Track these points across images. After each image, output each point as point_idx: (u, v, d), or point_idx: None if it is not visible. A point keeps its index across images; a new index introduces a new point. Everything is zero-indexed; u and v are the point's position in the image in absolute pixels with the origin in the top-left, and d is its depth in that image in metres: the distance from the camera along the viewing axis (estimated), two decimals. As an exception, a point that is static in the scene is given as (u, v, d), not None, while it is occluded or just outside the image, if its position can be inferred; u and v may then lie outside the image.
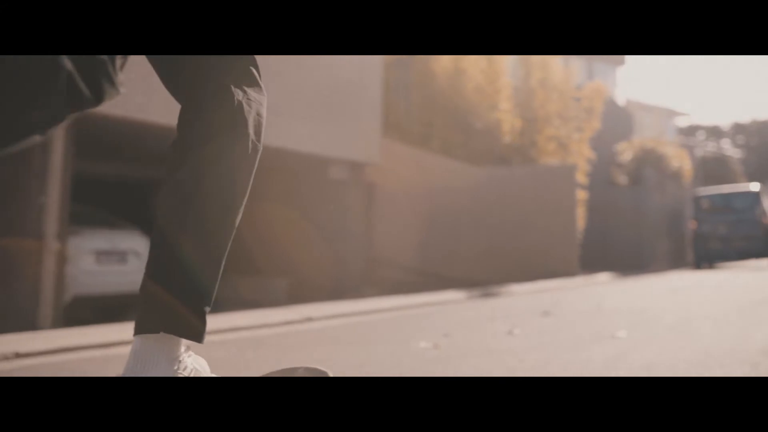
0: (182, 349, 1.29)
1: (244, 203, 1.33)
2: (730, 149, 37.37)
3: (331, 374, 1.40)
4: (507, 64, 13.55)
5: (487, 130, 12.95)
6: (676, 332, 3.21)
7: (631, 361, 2.39)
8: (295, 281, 9.73)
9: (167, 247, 1.28)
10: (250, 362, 2.89)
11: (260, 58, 1.38)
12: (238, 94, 1.30)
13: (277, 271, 10.10)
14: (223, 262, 1.31)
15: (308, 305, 6.33)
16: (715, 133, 45.58)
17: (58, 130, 6.44)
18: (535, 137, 13.54)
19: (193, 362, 1.32)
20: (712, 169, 28.67)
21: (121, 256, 7.75)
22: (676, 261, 19.63)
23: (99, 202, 8.66)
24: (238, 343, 3.60)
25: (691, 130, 43.62)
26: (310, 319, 4.90)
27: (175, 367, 1.27)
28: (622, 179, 18.39)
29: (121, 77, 1.12)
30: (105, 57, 1.06)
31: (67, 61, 0.99)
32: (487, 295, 8.18)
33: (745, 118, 64.63)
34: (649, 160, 18.56)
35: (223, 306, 8.26)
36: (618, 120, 19.85)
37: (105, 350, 3.52)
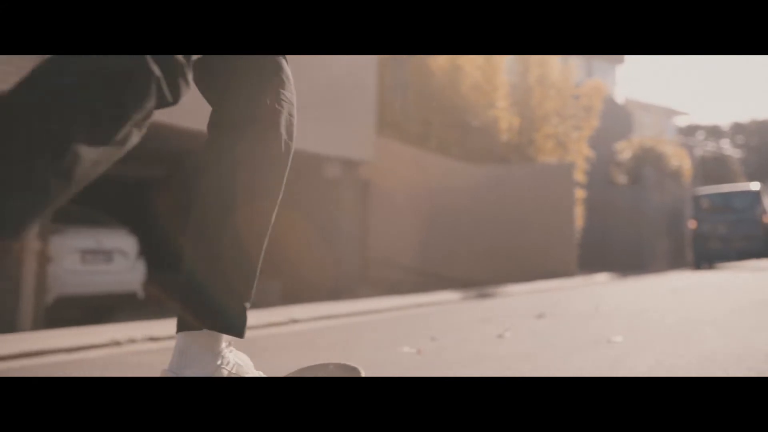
0: (224, 344, 1.33)
1: (278, 201, 1.38)
2: (729, 149, 37.24)
3: (363, 372, 1.42)
4: (504, 61, 13.37)
5: (484, 129, 12.77)
6: (676, 336, 3.02)
7: (626, 368, 2.22)
8: (288, 282, 9.55)
9: (205, 245, 1.31)
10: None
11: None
12: (270, 95, 1.33)
13: (271, 272, 9.92)
14: (261, 258, 1.36)
15: (297, 306, 6.15)
16: (714, 132, 45.48)
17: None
18: (533, 135, 13.37)
19: (235, 357, 1.36)
20: (712, 168, 28.56)
21: (107, 256, 7.56)
22: (675, 261, 19.47)
23: (84, 201, 8.48)
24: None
25: (690, 130, 43.53)
26: (295, 321, 4.72)
27: (219, 362, 1.31)
28: (621, 178, 18.22)
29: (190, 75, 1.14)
30: (183, 59, 1.08)
31: (155, 67, 1.03)
32: (482, 295, 8.00)
33: (744, 117, 64.59)
34: (649, 159, 18.39)
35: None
36: (617, 119, 19.69)
37: (86, 353, 3.34)
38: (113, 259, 7.61)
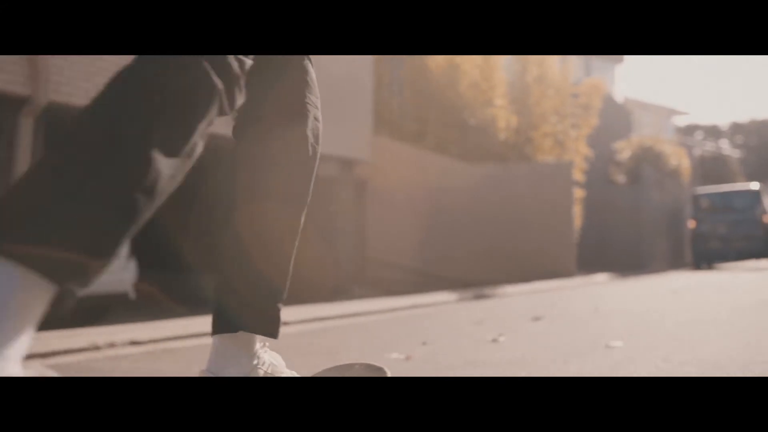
0: (258, 345, 1.37)
1: (306, 204, 1.40)
2: (728, 149, 37.15)
3: (389, 372, 1.45)
4: (502, 59, 13.24)
5: (482, 127, 12.64)
6: (678, 340, 2.89)
7: (626, 375, 2.08)
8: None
9: (240, 248, 1.35)
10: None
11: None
12: (297, 98, 1.35)
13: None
14: (293, 260, 1.39)
15: (287, 308, 6.01)
16: (713, 132, 45.44)
17: (23, 123, 6.12)
18: (531, 134, 13.24)
19: (270, 357, 1.39)
20: (711, 168, 28.49)
21: (97, 256, 7.41)
22: (675, 261, 19.36)
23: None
24: (190, 353, 3.28)
25: (689, 130, 43.51)
26: (284, 324, 4.58)
27: (255, 362, 1.35)
28: (620, 178, 18.09)
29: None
30: (239, 70, 1.10)
31: (218, 80, 1.05)
32: (479, 296, 7.87)
33: (743, 117, 64.58)
34: (648, 158, 18.26)
35: (205, 308, 7.93)
36: (616, 118, 19.57)
37: (60, 358, 3.20)
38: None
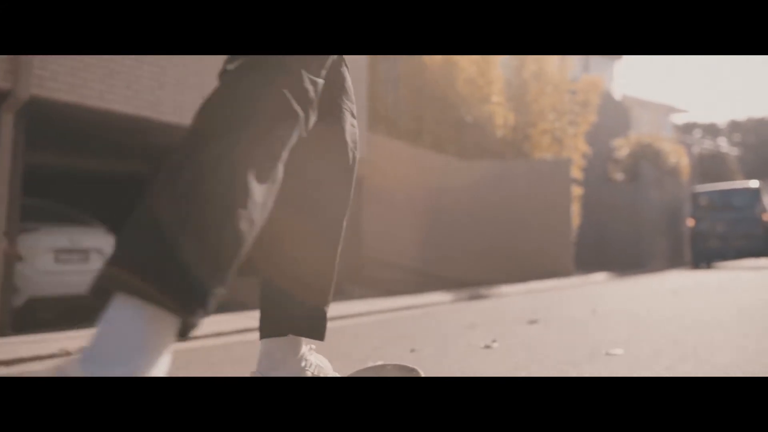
0: (305, 347, 1.43)
1: (348, 208, 1.45)
2: (726, 147, 37.03)
3: (422, 373, 1.49)
4: (500, 56, 13.06)
5: (479, 124, 12.46)
6: (682, 347, 2.72)
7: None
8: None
9: (287, 254, 1.38)
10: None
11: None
12: (336, 105, 1.38)
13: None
14: (337, 265, 1.44)
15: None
16: (711, 130, 45.35)
17: (5, 118, 5.93)
18: (529, 131, 13.06)
19: (316, 359, 1.45)
20: (709, 166, 28.38)
21: (83, 255, 7.23)
22: (674, 260, 19.21)
23: (60, 197, 8.14)
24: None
25: (687, 128, 43.44)
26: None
27: (303, 364, 1.41)
28: (619, 175, 17.92)
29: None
30: (314, 95, 1.13)
31: (299, 107, 1.08)
32: (475, 297, 7.70)
33: (741, 115, 64.49)
34: (647, 156, 18.08)
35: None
36: (614, 115, 19.41)
37: (26, 365, 3.02)
38: (90, 258, 7.29)
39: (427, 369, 2.39)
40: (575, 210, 12.68)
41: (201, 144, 0.98)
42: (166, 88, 7.12)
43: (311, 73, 1.13)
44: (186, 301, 0.90)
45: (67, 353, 3.15)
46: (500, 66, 13.02)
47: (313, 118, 1.14)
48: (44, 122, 6.79)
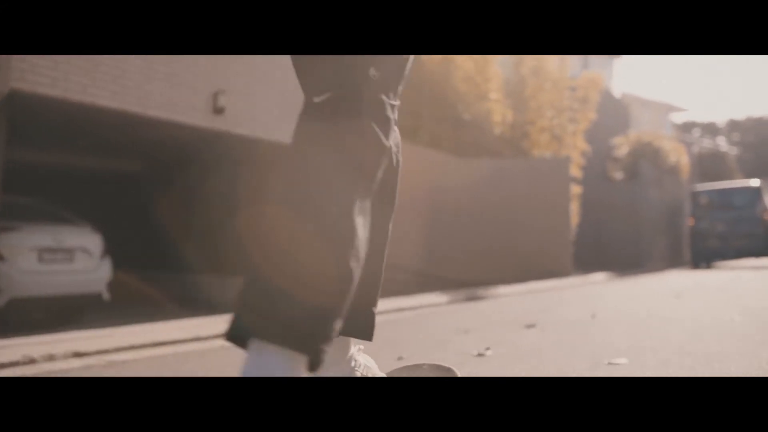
0: (354, 348, 1.44)
1: (394, 211, 1.51)
2: (725, 146, 36.90)
3: (458, 373, 1.51)
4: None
5: (477, 122, 12.26)
6: (690, 357, 2.52)
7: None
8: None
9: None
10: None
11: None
12: (387, 109, 1.33)
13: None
14: (384, 264, 1.47)
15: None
16: (710, 129, 45.23)
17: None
18: (528, 129, 12.86)
19: (364, 359, 1.47)
20: (709, 165, 28.24)
21: (68, 254, 7.02)
22: (673, 259, 19.03)
23: (44, 195, 7.93)
24: (139, 366, 2.90)
25: (686, 127, 43.32)
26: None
27: (353, 365, 1.43)
28: (618, 174, 17.73)
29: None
30: (394, 121, 1.17)
31: (386, 141, 1.14)
32: (472, 298, 7.51)
33: (740, 114, 64.42)
34: (646, 155, 17.90)
35: (199, 308, 7.54)
36: (614, 113, 19.22)
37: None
38: (75, 258, 7.08)
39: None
40: (574, 209, 12.49)
41: (303, 190, 1.03)
42: (154, 82, 6.92)
43: (391, 99, 1.17)
44: (315, 342, 1.01)
45: (31, 360, 2.95)
46: (498, 63, 12.82)
47: (400, 148, 1.19)
48: (26, 117, 6.59)
